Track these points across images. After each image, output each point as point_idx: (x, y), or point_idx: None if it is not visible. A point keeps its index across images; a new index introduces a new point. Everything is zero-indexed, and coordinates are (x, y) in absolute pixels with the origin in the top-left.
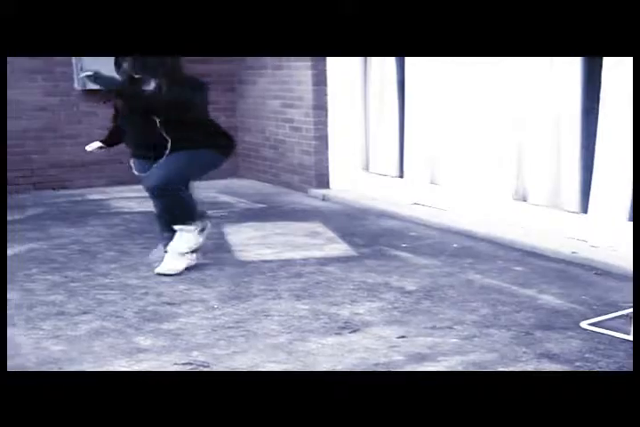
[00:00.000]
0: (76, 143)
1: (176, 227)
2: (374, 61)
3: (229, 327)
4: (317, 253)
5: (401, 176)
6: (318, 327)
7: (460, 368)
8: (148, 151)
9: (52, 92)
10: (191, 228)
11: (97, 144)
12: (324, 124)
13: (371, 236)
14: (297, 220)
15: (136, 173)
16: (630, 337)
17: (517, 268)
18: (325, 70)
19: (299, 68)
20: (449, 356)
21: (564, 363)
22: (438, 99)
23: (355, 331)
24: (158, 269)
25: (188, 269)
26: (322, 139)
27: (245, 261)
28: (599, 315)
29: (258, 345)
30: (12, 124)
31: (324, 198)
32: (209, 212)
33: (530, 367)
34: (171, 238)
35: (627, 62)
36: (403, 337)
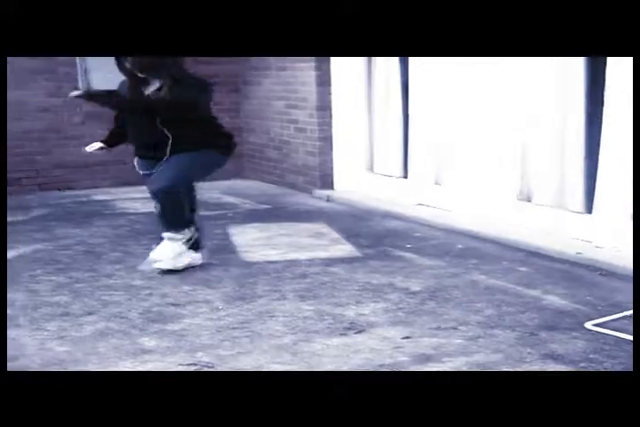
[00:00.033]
0: (80, 144)
1: (165, 235)
2: (378, 62)
3: (234, 328)
4: (322, 254)
5: (405, 177)
6: (323, 328)
7: (464, 369)
8: (150, 151)
9: (55, 93)
10: (179, 236)
11: (98, 145)
12: (329, 124)
13: (375, 236)
14: (301, 221)
15: (140, 171)
16: None
17: (522, 268)
18: (329, 71)
19: (303, 69)
20: (454, 357)
21: (569, 364)
22: (443, 99)
23: (359, 332)
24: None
25: (192, 269)
26: (326, 140)
27: (250, 261)
28: (604, 316)
29: (262, 346)
30: (14, 126)
31: (328, 199)
32: (214, 213)
33: (534, 368)
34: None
35: (630, 60)
36: (407, 338)
